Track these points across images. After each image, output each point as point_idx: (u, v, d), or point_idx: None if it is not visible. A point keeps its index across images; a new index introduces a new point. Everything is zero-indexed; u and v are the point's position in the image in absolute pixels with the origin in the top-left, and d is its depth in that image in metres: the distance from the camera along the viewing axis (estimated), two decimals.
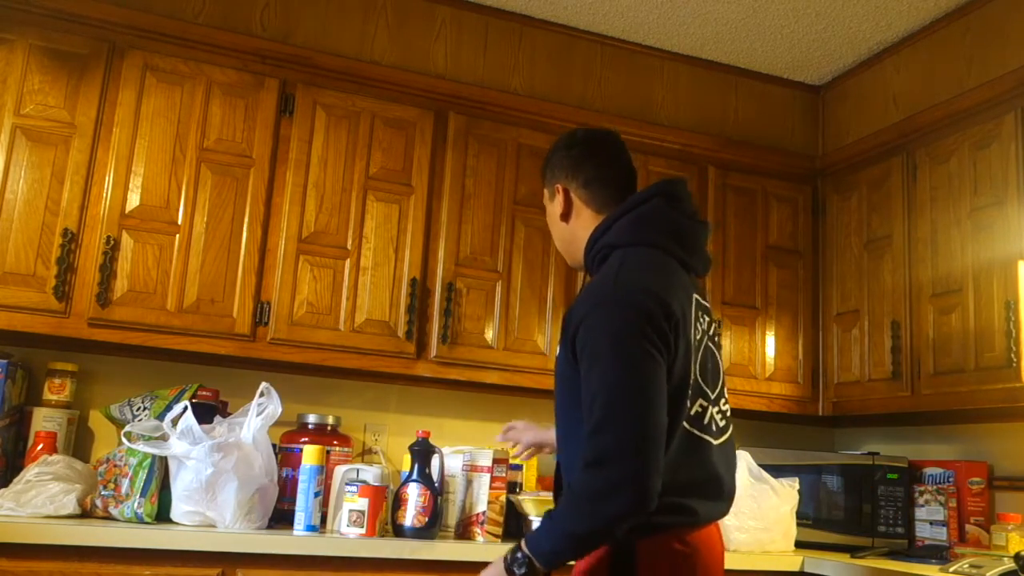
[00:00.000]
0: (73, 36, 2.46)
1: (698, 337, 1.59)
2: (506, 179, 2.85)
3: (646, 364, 1.46)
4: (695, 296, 1.62)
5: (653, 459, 1.42)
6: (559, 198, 1.74)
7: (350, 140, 2.70)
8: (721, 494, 1.63)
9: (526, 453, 2.16)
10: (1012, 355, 2.40)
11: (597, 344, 1.49)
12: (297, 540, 2.20)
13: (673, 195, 1.66)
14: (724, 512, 1.65)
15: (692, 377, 1.56)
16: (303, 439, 2.53)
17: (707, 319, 1.66)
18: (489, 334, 2.75)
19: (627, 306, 1.49)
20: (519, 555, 1.50)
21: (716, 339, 1.70)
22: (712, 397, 1.61)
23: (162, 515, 2.23)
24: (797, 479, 2.72)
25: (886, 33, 2.99)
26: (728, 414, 1.68)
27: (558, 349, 1.64)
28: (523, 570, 1.49)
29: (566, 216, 1.73)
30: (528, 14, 3.00)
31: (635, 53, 3.15)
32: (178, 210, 2.50)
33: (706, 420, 1.59)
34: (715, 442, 1.60)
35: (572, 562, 1.57)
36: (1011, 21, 2.61)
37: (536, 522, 2.39)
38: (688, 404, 1.55)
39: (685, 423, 1.54)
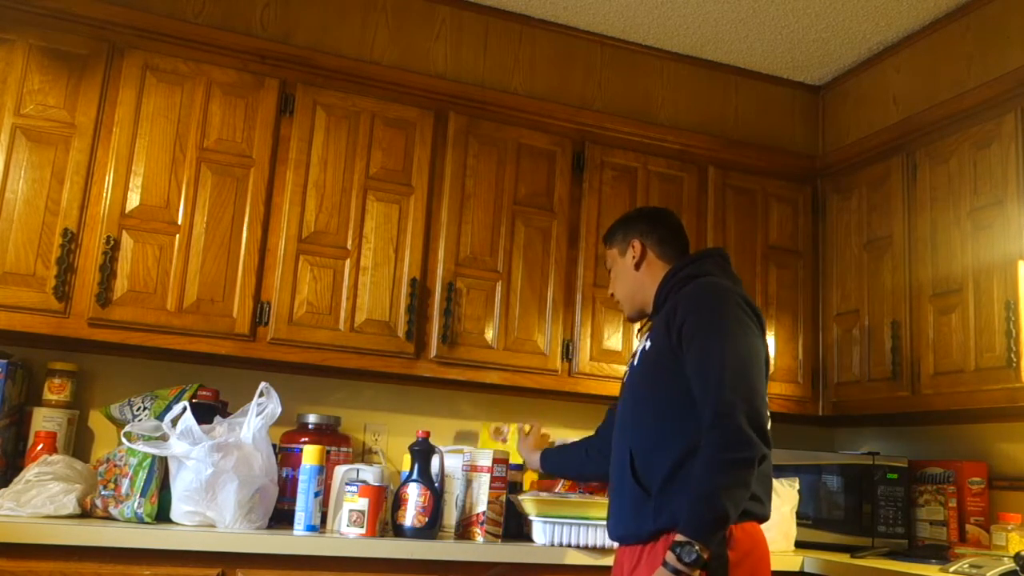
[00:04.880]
0: (73, 36, 2.46)
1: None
2: (506, 179, 2.85)
3: (751, 337, 1.80)
4: None
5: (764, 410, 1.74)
6: (634, 251, 2.07)
7: (350, 140, 2.69)
8: (770, 498, 1.85)
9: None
10: (1012, 355, 2.40)
11: (710, 326, 1.79)
12: (297, 540, 2.20)
13: (727, 256, 2.07)
14: (769, 516, 1.84)
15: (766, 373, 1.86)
16: (303, 439, 2.53)
17: None
18: (489, 334, 2.75)
19: (728, 298, 1.84)
20: (682, 548, 1.63)
21: None
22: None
23: (162, 515, 2.23)
24: (797, 479, 2.72)
25: (886, 33, 2.99)
26: None
27: (644, 344, 1.94)
28: (692, 556, 1.62)
29: (639, 264, 2.06)
30: (528, 14, 3.00)
31: (635, 53, 3.15)
32: (178, 210, 2.50)
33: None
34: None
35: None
36: (1011, 21, 2.61)
37: (536, 522, 2.38)
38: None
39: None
